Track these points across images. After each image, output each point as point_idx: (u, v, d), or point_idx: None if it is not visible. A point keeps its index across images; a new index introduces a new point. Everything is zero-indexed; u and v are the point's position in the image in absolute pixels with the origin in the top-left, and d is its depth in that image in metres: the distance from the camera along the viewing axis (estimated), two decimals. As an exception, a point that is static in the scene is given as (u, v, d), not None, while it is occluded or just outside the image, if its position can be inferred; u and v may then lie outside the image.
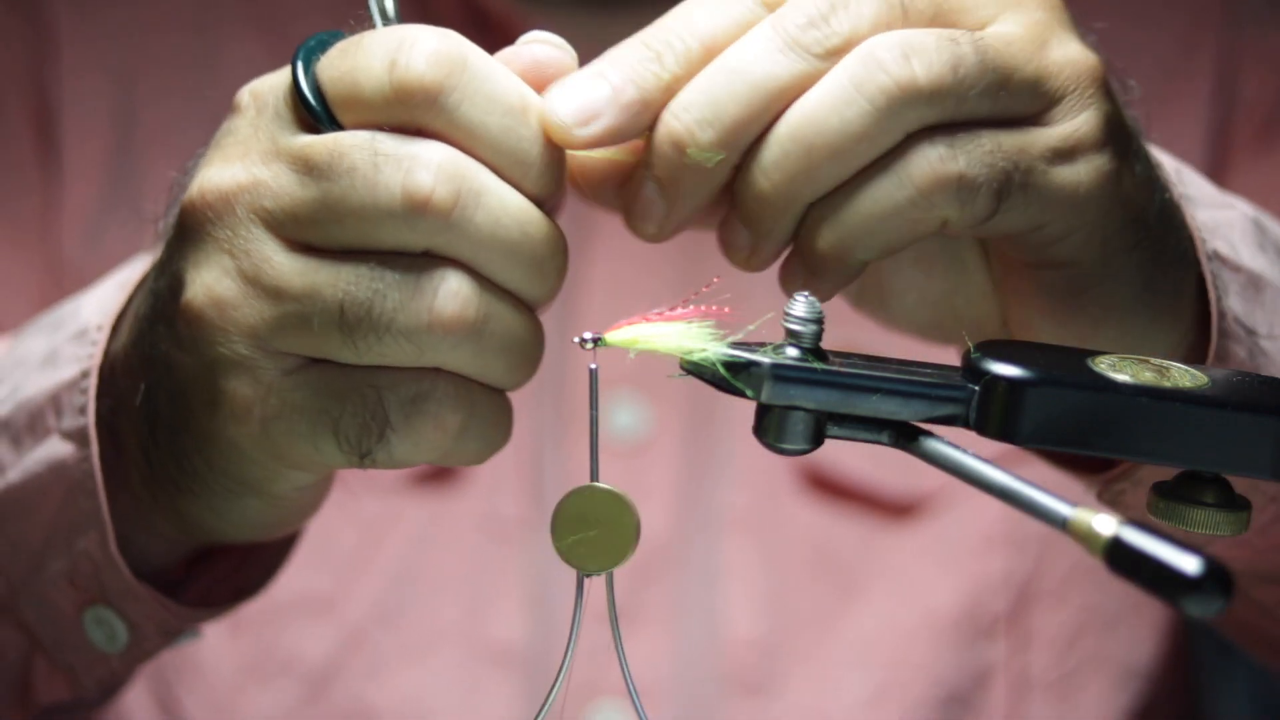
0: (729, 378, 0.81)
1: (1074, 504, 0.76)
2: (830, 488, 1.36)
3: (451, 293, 0.81)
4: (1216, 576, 0.72)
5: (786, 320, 0.82)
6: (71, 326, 1.00)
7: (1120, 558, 0.74)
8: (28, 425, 0.99)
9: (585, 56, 1.39)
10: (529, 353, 0.86)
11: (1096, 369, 0.82)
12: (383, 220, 0.80)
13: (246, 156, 0.84)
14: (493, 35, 1.39)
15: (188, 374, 0.87)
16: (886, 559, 1.36)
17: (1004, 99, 0.83)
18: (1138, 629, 1.39)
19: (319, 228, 0.81)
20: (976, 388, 0.81)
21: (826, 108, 0.82)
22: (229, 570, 1.04)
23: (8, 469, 1.00)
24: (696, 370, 0.83)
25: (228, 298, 0.83)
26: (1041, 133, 0.84)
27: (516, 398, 1.35)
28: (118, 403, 0.95)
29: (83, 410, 0.96)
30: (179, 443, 0.90)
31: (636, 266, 1.37)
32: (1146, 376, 0.81)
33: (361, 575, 1.36)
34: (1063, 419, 0.80)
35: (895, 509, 1.37)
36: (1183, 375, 0.82)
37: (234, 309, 0.83)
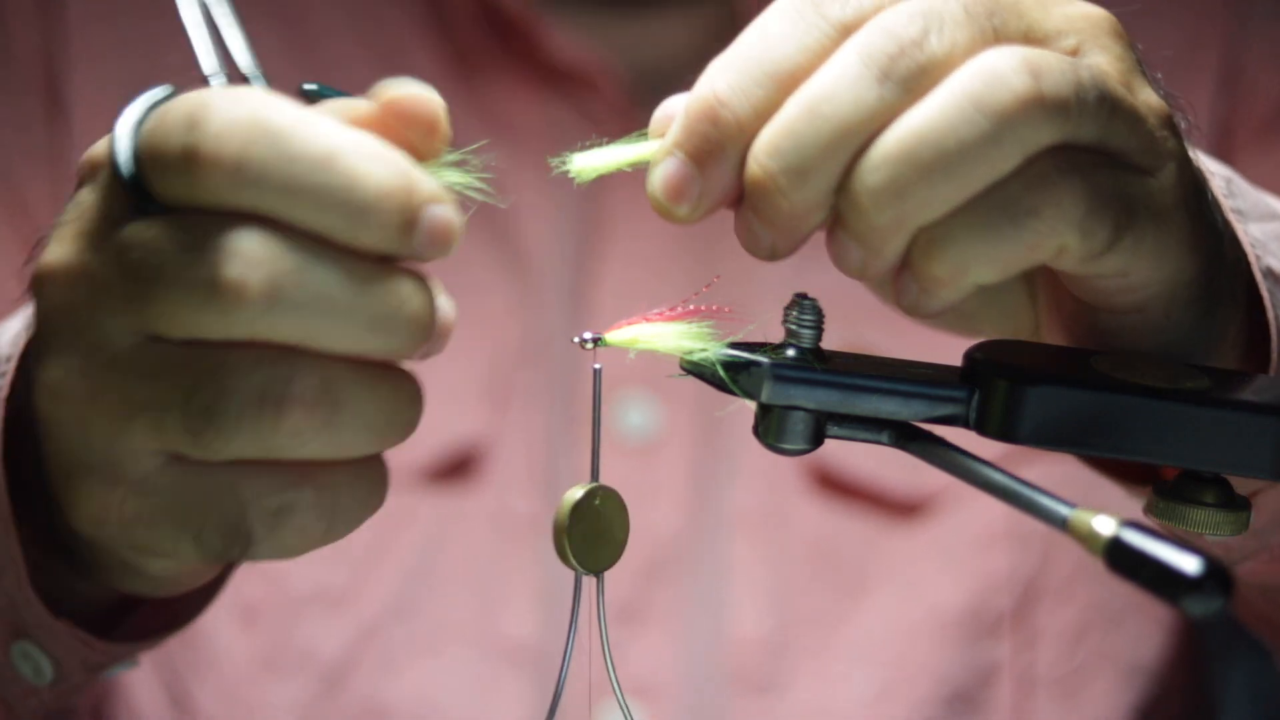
0: (728, 378, 0.81)
1: (1074, 504, 0.75)
2: (837, 487, 1.36)
3: (297, 396, 0.77)
4: (1217, 576, 0.72)
5: (786, 320, 0.82)
6: None
7: (1120, 558, 0.74)
8: None
9: (603, 57, 1.39)
10: (397, 416, 0.80)
11: (1097, 369, 0.82)
12: (200, 314, 0.76)
13: (80, 237, 0.80)
14: (509, 36, 1.40)
15: (51, 465, 0.84)
16: (892, 558, 1.36)
17: (1111, 130, 0.80)
18: (1143, 626, 1.39)
19: (149, 321, 0.77)
20: (976, 388, 0.81)
21: (944, 127, 0.77)
22: (166, 605, 1.03)
23: None
24: (696, 370, 0.82)
25: (75, 398, 0.80)
26: (1143, 177, 0.81)
27: (528, 396, 1.37)
28: (27, 438, 0.92)
29: None
30: (54, 523, 0.88)
31: (649, 266, 1.37)
32: (1146, 377, 0.81)
33: (375, 571, 1.36)
34: (1063, 419, 0.80)
35: (901, 508, 1.36)
36: (1183, 375, 0.82)
37: (83, 409, 0.80)
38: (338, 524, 0.81)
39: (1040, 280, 0.92)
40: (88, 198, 0.81)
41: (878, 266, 0.80)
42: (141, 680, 1.35)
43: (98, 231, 0.79)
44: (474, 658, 1.35)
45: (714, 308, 0.83)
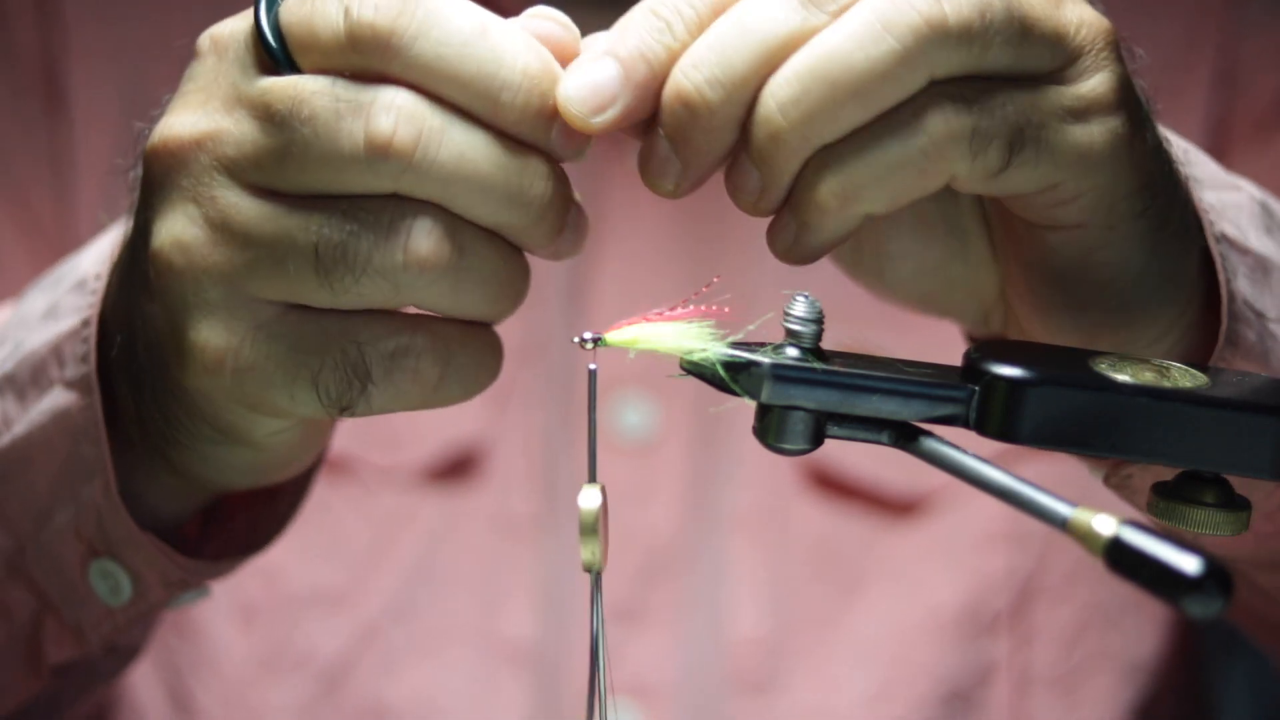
0: (728, 378, 0.81)
1: (1074, 504, 0.75)
2: (834, 487, 1.36)
3: (425, 231, 0.81)
4: (1217, 576, 0.72)
5: (786, 320, 0.82)
6: (71, 279, 1.00)
7: (1120, 558, 0.74)
8: (31, 378, 0.99)
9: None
10: (510, 286, 0.85)
11: (1097, 369, 0.82)
12: (347, 166, 0.81)
13: (208, 103, 0.84)
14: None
15: (159, 324, 0.88)
16: (890, 557, 1.36)
17: (1025, 51, 0.82)
18: (1141, 624, 1.39)
19: (284, 175, 0.82)
20: (976, 388, 0.81)
21: (852, 44, 0.79)
22: (241, 528, 1.04)
23: (14, 423, 1.00)
24: (696, 370, 0.82)
25: (196, 245, 0.84)
26: (1058, 90, 0.83)
27: (527, 395, 1.37)
28: (110, 353, 0.96)
29: (84, 359, 0.96)
30: (159, 393, 0.91)
31: (646, 264, 1.37)
32: (1146, 376, 0.82)
33: (375, 571, 1.36)
34: (1063, 419, 0.80)
35: (899, 507, 1.37)
36: (1183, 375, 0.82)
37: (203, 256, 0.84)
38: (451, 378, 0.85)
39: (995, 216, 0.93)
40: (210, 69, 0.85)
41: (773, 194, 0.83)
42: (143, 680, 1.36)
43: (227, 96, 0.84)
44: (473, 658, 1.35)
45: (714, 308, 0.83)
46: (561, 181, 0.84)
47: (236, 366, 0.84)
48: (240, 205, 0.83)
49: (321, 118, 0.81)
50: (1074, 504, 0.76)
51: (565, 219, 0.84)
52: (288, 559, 1.34)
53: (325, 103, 0.81)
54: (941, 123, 0.80)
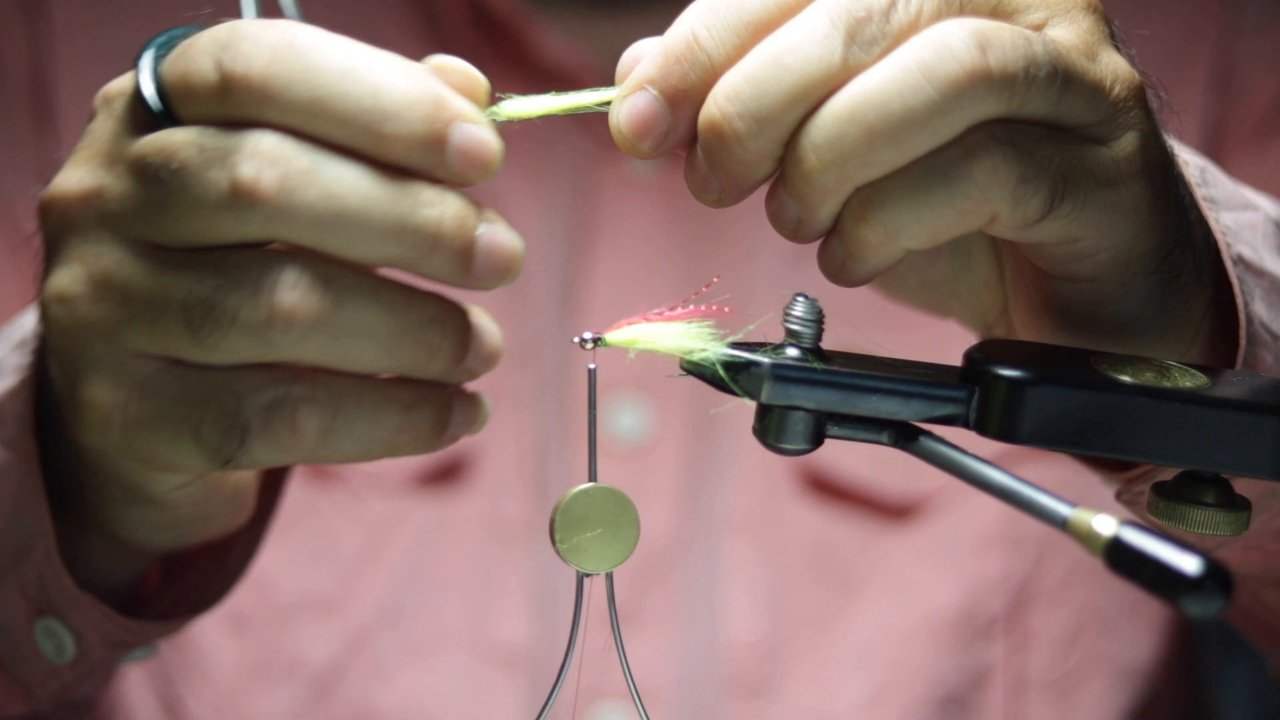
0: (728, 378, 0.81)
1: (1073, 504, 0.75)
2: (830, 489, 1.36)
3: (289, 284, 0.79)
4: (1217, 576, 0.72)
5: (786, 320, 0.82)
6: (17, 335, 1.00)
7: (1120, 558, 0.74)
8: None
9: (591, 57, 1.39)
10: (408, 333, 0.81)
11: (1096, 369, 0.82)
12: (215, 215, 0.79)
13: (92, 160, 0.84)
14: (499, 36, 1.40)
15: (58, 384, 0.87)
16: (885, 560, 1.36)
17: (1063, 106, 0.81)
18: (1137, 628, 1.39)
19: (160, 228, 0.81)
20: (976, 388, 0.81)
21: (891, 91, 0.79)
22: (192, 586, 1.04)
23: None
24: (696, 370, 0.82)
25: (79, 301, 0.83)
26: (1094, 148, 0.82)
27: (519, 397, 1.36)
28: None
29: (20, 420, 0.95)
30: (65, 454, 0.91)
31: (640, 264, 1.37)
32: (1146, 376, 0.82)
33: (365, 576, 1.36)
34: (1063, 419, 0.80)
35: (894, 510, 1.37)
36: (1183, 375, 0.82)
37: (86, 312, 0.83)
38: (341, 431, 0.82)
39: (1006, 251, 0.93)
40: (100, 127, 0.85)
41: (811, 227, 0.82)
42: (135, 688, 1.35)
43: (111, 152, 0.83)
44: (465, 663, 1.35)
45: (714, 307, 0.83)
46: (463, 206, 0.81)
47: (124, 422, 0.83)
48: (121, 261, 0.82)
49: (189, 168, 0.79)
50: (1074, 504, 0.76)
51: (471, 245, 0.81)
52: (278, 566, 1.34)
53: (192, 153, 0.79)
54: (989, 170, 0.80)
